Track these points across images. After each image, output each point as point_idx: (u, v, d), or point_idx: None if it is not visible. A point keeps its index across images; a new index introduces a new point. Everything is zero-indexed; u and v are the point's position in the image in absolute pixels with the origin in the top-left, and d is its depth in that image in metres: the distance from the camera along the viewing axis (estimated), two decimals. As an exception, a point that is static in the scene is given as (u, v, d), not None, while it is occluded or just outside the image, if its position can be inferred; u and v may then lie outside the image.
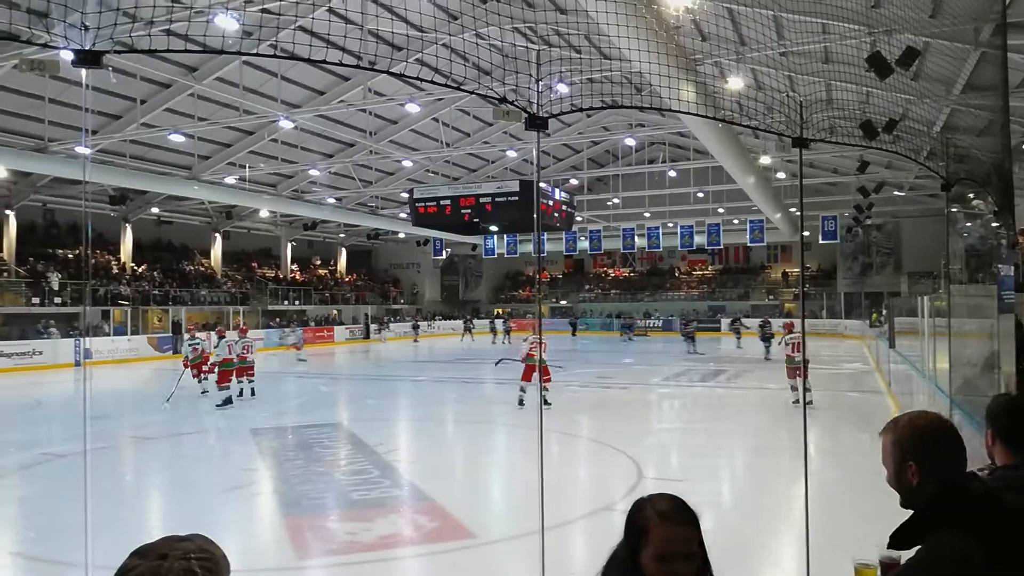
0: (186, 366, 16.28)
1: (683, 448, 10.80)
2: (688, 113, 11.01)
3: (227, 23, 13.03)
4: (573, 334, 42.08)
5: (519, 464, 10.39)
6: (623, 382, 19.64)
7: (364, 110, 23.16)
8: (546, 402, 12.65)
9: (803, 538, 6.03)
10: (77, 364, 24.34)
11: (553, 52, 18.96)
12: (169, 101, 20.97)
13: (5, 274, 26.57)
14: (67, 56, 3.35)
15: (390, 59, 18.97)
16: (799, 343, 13.73)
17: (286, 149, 26.08)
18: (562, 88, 14.05)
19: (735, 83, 15.56)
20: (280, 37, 17.10)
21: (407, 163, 28.82)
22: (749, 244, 35.82)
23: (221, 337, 16.04)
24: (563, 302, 48.28)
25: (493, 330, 38.71)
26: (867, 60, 12.00)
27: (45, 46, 3.38)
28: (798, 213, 33.84)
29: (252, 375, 15.70)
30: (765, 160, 24.45)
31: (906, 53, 11.76)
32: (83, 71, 3.17)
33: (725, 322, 41.74)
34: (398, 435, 12.78)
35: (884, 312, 22.93)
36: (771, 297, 43.95)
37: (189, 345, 16.62)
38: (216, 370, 15.20)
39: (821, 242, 32.93)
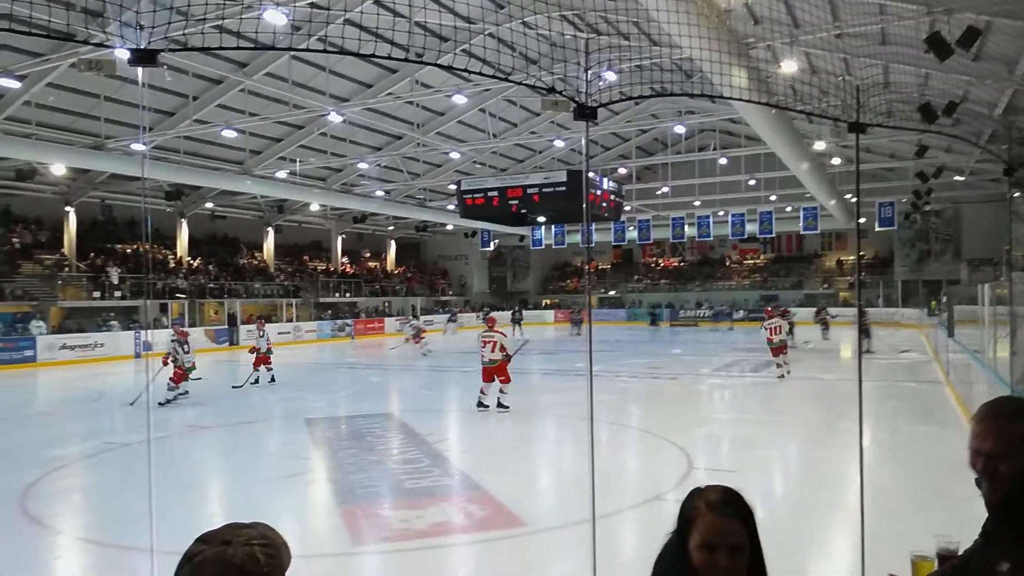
0: (258, 361, 17.05)
1: (734, 439, 10.64)
2: (740, 100, 10.80)
3: (276, 18, 13.21)
4: (653, 323, 41.54)
5: (568, 454, 10.39)
6: (672, 372, 19.46)
7: (411, 102, 23.29)
8: (500, 405, 12.74)
9: (857, 531, 5.90)
10: (137, 356, 25.10)
11: (602, 40, 18.77)
12: (221, 97, 21.41)
13: (67, 269, 27.54)
14: (123, 55, 3.42)
15: (438, 51, 19.05)
16: (777, 327, 16.86)
17: (335, 143, 26.42)
18: (610, 76, 13.92)
19: (789, 67, 15.20)
20: (328, 31, 17.29)
21: (454, 155, 28.93)
22: (802, 232, 35.05)
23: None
24: (612, 292, 47.97)
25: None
26: (926, 41, 11.59)
27: (101, 45, 3.47)
28: (854, 200, 33.00)
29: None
30: (819, 146, 23.84)
31: (967, 33, 11.31)
32: (139, 69, 3.24)
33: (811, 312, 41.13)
34: (448, 425, 12.88)
35: (943, 300, 22.25)
36: (825, 286, 42.95)
37: (262, 338, 17.23)
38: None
39: (878, 229, 32.01)
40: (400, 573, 5.81)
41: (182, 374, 14.51)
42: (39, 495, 7.95)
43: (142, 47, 3.24)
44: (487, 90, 22.50)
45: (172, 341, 14.96)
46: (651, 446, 10.06)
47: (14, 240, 27.30)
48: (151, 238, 32.04)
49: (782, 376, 16.57)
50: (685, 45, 9.29)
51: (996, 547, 1.64)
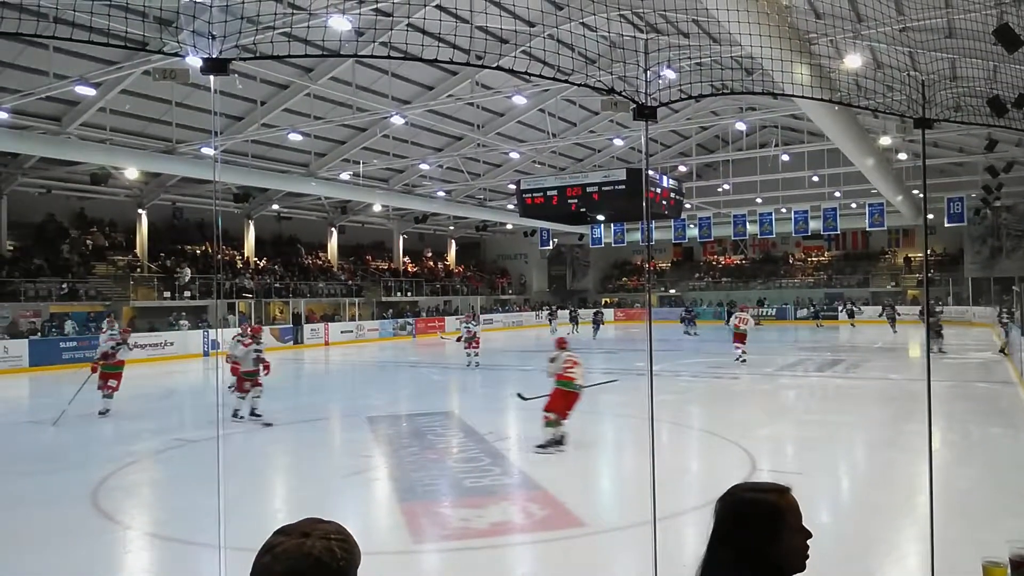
0: None
1: (799, 440, 10.44)
2: (803, 96, 10.58)
3: (340, 24, 13.52)
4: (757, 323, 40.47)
5: (628, 453, 10.37)
6: (735, 372, 19.17)
7: (472, 103, 23.48)
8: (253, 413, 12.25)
9: (927, 535, 5.76)
10: (205, 355, 25.93)
11: (661, 40, 18.61)
12: (287, 102, 21.98)
13: (138, 270, 28.60)
14: (195, 63, 3.57)
15: (499, 55, 19.17)
16: (744, 319, 19.37)
17: (397, 144, 26.84)
18: (670, 74, 13.79)
19: (852, 62, 14.80)
20: (391, 37, 17.59)
21: (514, 155, 29.05)
22: (868, 228, 33.99)
23: None
24: (672, 291, 47.42)
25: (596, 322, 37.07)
26: (994, 33, 11.17)
27: (175, 55, 3.64)
28: (921, 195, 31.88)
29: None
30: (885, 141, 23.12)
31: (1037, 23, 10.87)
32: (211, 77, 3.37)
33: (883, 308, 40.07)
34: (508, 424, 12.96)
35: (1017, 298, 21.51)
36: (893, 284, 41.62)
37: None
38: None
39: (947, 225, 30.85)
40: (460, 571, 5.89)
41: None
42: (110, 491, 8.22)
43: (214, 56, 3.38)
44: (546, 90, 22.54)
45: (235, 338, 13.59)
46: (713, 447, 9.96)
47: (88, 242, 28.55)
48: (220, 239, 33.13)
49: (741, 360, 19.33)
50: (746, 43, 9.16)
51: None
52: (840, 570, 5.43)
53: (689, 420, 12.00)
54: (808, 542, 1.62)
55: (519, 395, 11.75)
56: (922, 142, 4.07)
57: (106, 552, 6.49)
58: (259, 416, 12.30)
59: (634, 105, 3.84)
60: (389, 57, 16.52)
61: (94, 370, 13.25)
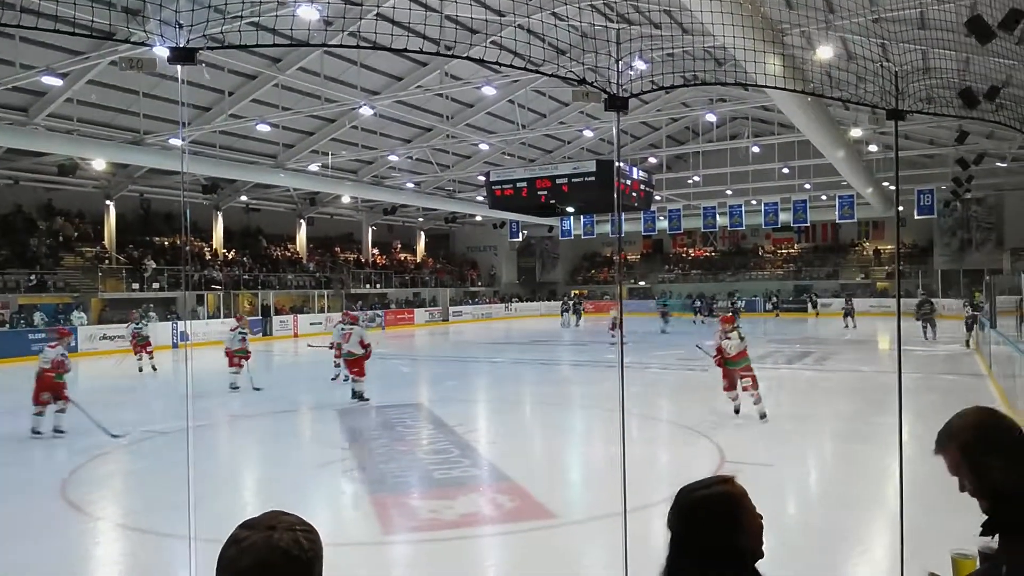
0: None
1: (768, 433, 10.50)
2: (775, 88, 10.62)
3: (309, 14, 13.31)
4: (701, 313, 38.38)
5: (598, 445, 10.38)
6: (705, 364, 19.28)
7: (441, 94, 23.33)
8: (357, 396, 13.02)
9: (896, 528, 5.81)
10: (174, 346, 25.57)
11: (633, 30, 18.58)
12: (255, 92, 21.66)
13: (107, 262, 28.12)
14: (162, 53, 3.47)
15: (469, 44, 19.00)
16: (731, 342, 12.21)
17: (366, 136, 26.59)
18: (640, 65, 13.77)
19: (824, 53, 14.91)
20: (360, 27, 17.35)
21: (484, 146, 28.93)
22: (838, 221, 34.46)
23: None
24: (642, 283, 47.66)
25: (575, 312, 37.40)
26: (966, 24, 11.29)
27: (142, 44, 3.54)
28: (892, 188, 32.35)
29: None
30: (856, 132, 23.40)
31: (1009, 15, 10.99)
32: (178, 67, 3.31)
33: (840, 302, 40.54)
34: (477, 415, 12.94)
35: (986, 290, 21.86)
36: (862, 276, 42.22)
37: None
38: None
39: (916, 217, 31.34)
40: (430, 563, 5.86)
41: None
42: (80, 482, 8.17)
43: (181, 45, 3.30)
44: (516, 81, 22.46)
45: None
46: (682, 439, 10.01)
47: (59, 234, 27.99)
48: (188, 230, 32.57)
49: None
50: (718, 33, 9.16)
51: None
52: (809, 562, 5.47)
53: (658, 412, 12.06)
54: (766, 530, 1.66)
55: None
56: (895, 134, 4.08)
57: (77, 544, 6.43)
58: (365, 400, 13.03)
59: (605, 96, 3.80)
60: (358, 47, 16.30)
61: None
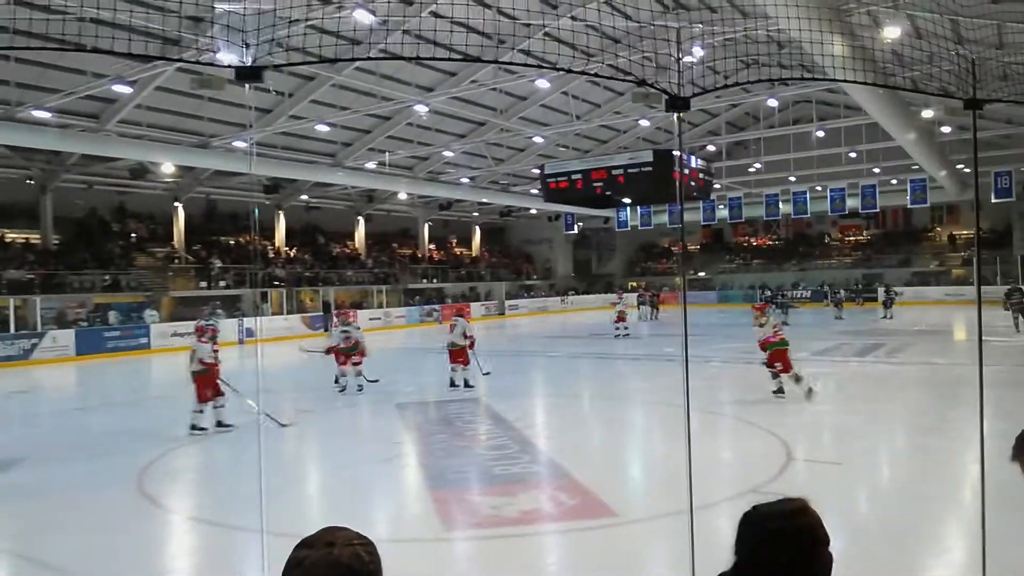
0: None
1: (837, 428, 10.17)
2: (845, 81, 10.20)
3: (364, 16, 13.43)
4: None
5: (658, 441, 10.21)
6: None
7: (495, 88, 23.29)
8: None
9: (972, 528, 5.50)
10: (240, 343, 26.22)
11: (691, 19, 18.15)
12: (314, 93, 22.04)
13: (176, 261, 29.07)
14: (228, 58, 3.50)
15: (527, 37, 18.84)
16: (777, 325, 12.42)
17: (421, 132, 26.79)
18: (699, 51, 13.43)
19: (891, 32, 14.30)
20: (413, 25, 17.44)
21: (538, 139, 28.80)
22: (910, 206, 33.09)
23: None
24: (701, 273, 46.73)
25: (652, 305, 35.54)
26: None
27: (211, 64, 3.60)
28: (966, 170, 30.97)
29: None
30: (927, 113, 22.41)
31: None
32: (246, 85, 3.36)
33: (883, 291, 38.94)
34: (535, 410, 12.88)
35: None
36: (936, 263, 40.50)
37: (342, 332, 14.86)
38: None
39: (994, 201, 29.73)
40: (491, 561, 5.83)
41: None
42: (154, 475, 8.41)
43: (248, 64, 3.33)
44: (570, 71, 22.23)
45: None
46: (747, 435, 9.74)
47: (133, 235, 29.11)
48: (251, 230, 33.48)
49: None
50: (777, 15, 8.84)
51: None
52: (883, 563, 5.23)
53: (721, 407, 11.76)
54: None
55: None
56: (972, 125, 3.82)
57: (151, 535, 6.61)
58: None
59: (666, 96, 3.68)
60: (417, 59, 16.31)
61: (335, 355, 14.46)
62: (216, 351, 11.41)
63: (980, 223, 39.46)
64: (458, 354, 13.96)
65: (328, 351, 14.73)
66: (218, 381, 10.88)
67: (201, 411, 10.63)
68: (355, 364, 13.97)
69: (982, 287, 14.82)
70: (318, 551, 1.29)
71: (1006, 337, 20.03)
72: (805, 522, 1.58)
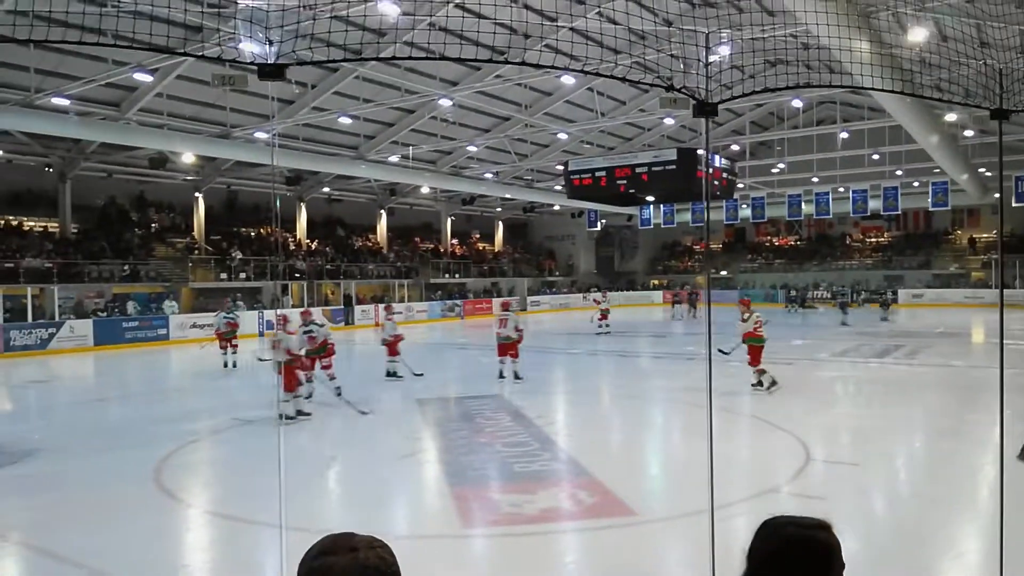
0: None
1: (855, 430, 10.16)
2: (875, 89, 10.14)
3: (389, 9, 13.50)
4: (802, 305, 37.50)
5: (678, 440, 10.26)
6: (788, 357, 18.74)
7: (520, 83, 23.30)
8: (516, 376, 14.38)
9: (988, 531, 5.52)
10: (260, 335, 26.45)
11: (720, 13, 18.05)
12: (337, 85, 22.12)
13: (196, 252, 29.29)
14: (251, 49, 3.57)
15: (556, 29, 18.84)
16: (761, 321, 13.03)
17: (445, 126, 26.84)
18: (724, 51, 13.37)
19: (916, 36, 14.18)
20: (436, 19, 17.50)
21: (562, 135, 28.79)
22: (931, 208, 32.85)
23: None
24: (723, 272, 46.58)
25: (691, 303, 34.69)
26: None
27: (234, 62, 3.67)
28: (988, 173, 30.62)
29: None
30: (951, 117, 22.22)
31: None
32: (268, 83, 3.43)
33: (903, 293, 38.70)
34: (556, 407, 12.94)
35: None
36: (956, 266, 40.14)
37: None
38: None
39: (1015, 205, 29.45)
40: (510, 558, 5.89)
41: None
42: (172, 468, 8.50)
43: (271, 62, 3.41)
44: (598, 74, 22.20)
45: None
46: (766, 435, 9.76)
47: (153, 225, 29.36)
48: (272, 222, 33.74)
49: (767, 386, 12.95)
50: (801, 13, 8.82)
51: None
52: (900, 565, 5.27)
53: (740, 407, 11.76)
54: (855, 531, 1.60)
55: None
56: (999, 135, 3.84)
57: (169, 529, 6.68)
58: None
59: (694, 102, 3.72)
60: (443, 57, 16.34)
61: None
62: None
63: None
64: (508, 347, 14.52)
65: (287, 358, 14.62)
66: (301, 372, 11.42)
67: (288, 400, 11.03)
68: (325, 368, 12.62)
69: (1011, 291, 14.64)
70: (343, 557, 1.28)
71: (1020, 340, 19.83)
72: (827, 538, 1.53)
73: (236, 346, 17.86)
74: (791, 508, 1.61)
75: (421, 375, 14.62)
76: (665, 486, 7.96)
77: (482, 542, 6.26)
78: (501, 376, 14.58)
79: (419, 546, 6.00)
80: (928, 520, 6.28)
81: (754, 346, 12.71)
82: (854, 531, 5.66)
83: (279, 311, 23.55)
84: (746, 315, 13.07)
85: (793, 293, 37.70)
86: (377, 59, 18.02)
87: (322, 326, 13.33)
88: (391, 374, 14.94)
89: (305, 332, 12.45)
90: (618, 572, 5.48)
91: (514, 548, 6.01)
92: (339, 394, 12.18)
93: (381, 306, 19.80)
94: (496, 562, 5.92)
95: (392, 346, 15.07)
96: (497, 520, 6.55)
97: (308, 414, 11.15)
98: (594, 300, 28.81)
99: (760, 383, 12.63)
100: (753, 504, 6.71)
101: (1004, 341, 4.97)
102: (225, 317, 18.40)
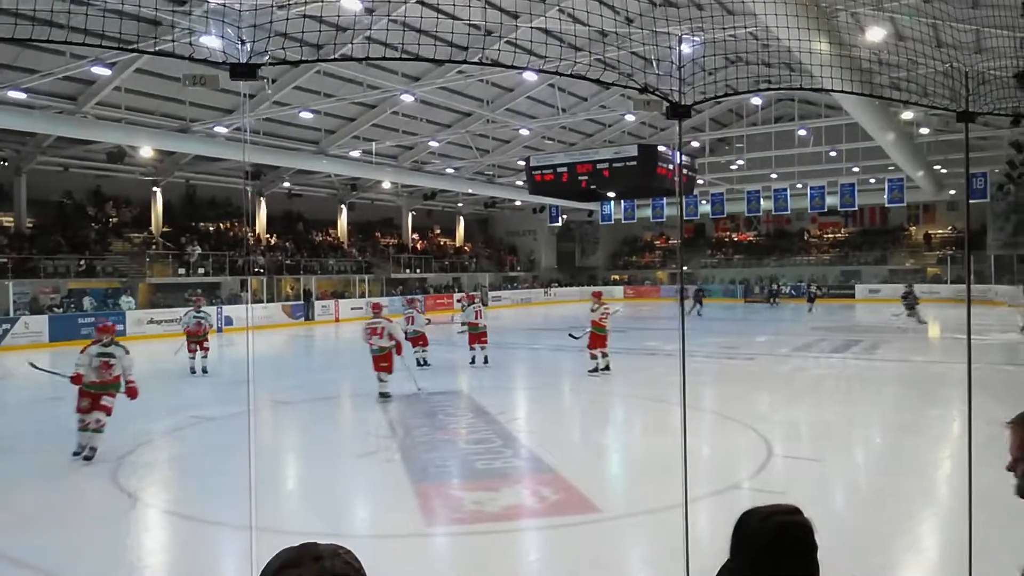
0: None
1: (816, 425, 10.31)
2: (842, 91, 10.25)
3: (352, 4, 13.32)
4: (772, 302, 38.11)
5: (639, 436, 10.31)
6: (748, 352, 19.01)
7: (482, 79, 23.19)
8: (486, 360, 16.05)
9: (949, 526, 5.61)
10: (219, 331, 25.97)
11: (681, 13, 18.14)
12: (298, 79, 21.78)
13: (154, 247, 28.70)
14: (211, 43, 3.45)
15: (514, 25, 18.76)
16: (608, 313, 14.65)
17: (407, 121, 26.63)
18: (687, 49, 13.43)
19: (874, 35, 14.42)
20: (400, 14, 17.34)
21: (523, 131, 28.76)
22: (887, 204, 33.55)
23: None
24: (684, 268, 47.06)
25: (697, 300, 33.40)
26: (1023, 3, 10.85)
27: (206, 61, 3.54)
28: (943, 170, 31.38)
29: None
30: (907, 115, 22.70)
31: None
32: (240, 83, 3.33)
33: (860, 288, 39.60)
34: (518, 404, 12.92)
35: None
36: (912, 261, 41.13)
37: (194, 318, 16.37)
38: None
39: (969, 201, 30.35)
40: (474, 556, 5.85)
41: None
42: (131, 467, 8.31)
43: (243, 62, 3.31)
44: (572, 75, 22.21)
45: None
46: (728, 430, 9.83)
47: (112, 219, 28.68)
48: (231, 216, 33.18)
49: (595, 371, 14.50)
50: (767, 19, 8.89)
51: None
52: (858, 562, 5.32)
53: (702, 402, 11.84)
54: (818, 528, 1.67)
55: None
56: (965, 137, 3.87)
57: (127, 529, 6.54)
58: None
59: (667, 104, 3.69)
60: (419, 58, 16.19)
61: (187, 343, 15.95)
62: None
63: (955, 223, 40.17)
64: (478, 336, 16.17)
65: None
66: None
67: (385, 380, 12.26)
68: (205, 350, 15.58)
69: (953, 285, 15.01)
70: (309, 568, 1.25)
71: (979, 335, 20.37)
72: (804, 522, 1.62)
73: (207, 348, 16.08)
74: (754, 503, 1.60)
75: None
76: (629, 482, 7.97)
77: (445, 540, 6.20)
78: (472, 362, 16.05)
79: (381, 544, 5.92)
80: (889, 515, 6.37)
81: (596, 334, 14.43)
82: (815, 526, 5.69)
83: (371, 299, 23.72)
84: (595, 306, 14.62)
85: (775, 287, 38.81)
86: (350, 59, 17.76)
87: (207, 315, 15.66)
88: (422, 363, 15.70)
89: (196, 318, 15.27)
90: (582, 569, 5.46)
91: (478, 546, 5.97)
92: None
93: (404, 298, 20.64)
94: (460, 560, 5.86)
95: (416, 341, 15.93)
96: (460, 518, 6.49)
97: (389, 396, 12.18)
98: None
99: (595, 369, 14.36)
100: (716, 500, 6.74)
101: (963, 335, 5.04)
102: (195, 316, 16.37)
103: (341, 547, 1.31)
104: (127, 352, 9.05)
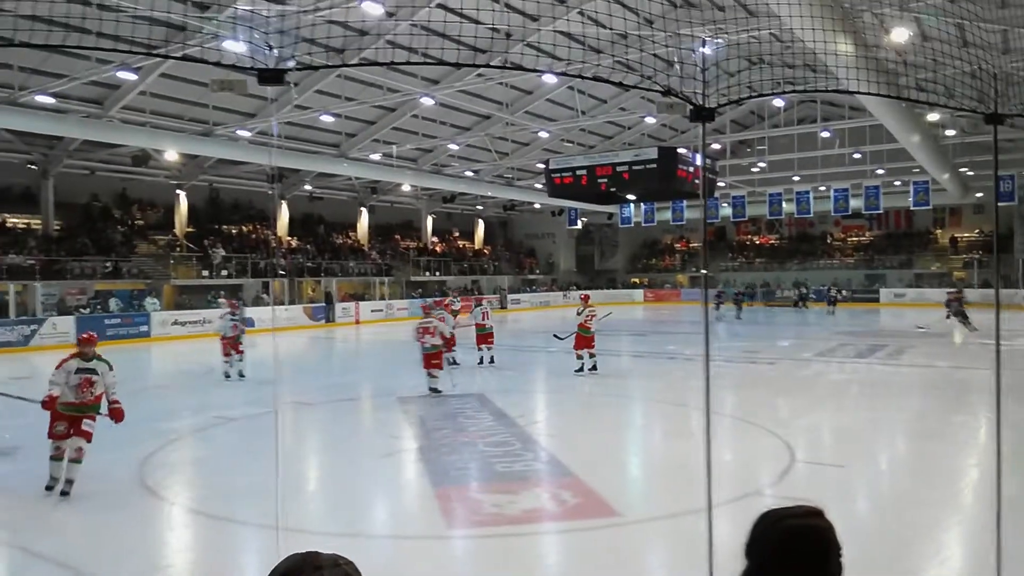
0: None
1: (839, 431, 10.19)
2: (867, 93, 10.16)
3: (373, 8, 13.41)
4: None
5: (659, 441, 10.25)
6: (770, 357, 18.85)
7: (501, 83, 23.23)
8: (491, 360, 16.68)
9: (974, 533, 5.52)
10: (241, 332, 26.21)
11: (705, 15, 18.07)
12: (319, 83, 21.97)
13: (178, 249, 29.06)
14: (236, 48, 3.48)
15: (537, 29, 18.77)
16: (593, 315, 15.09)
17: (426, 124, 26.75)
18: (707, 51, 13.38)
19: (899, 35, 14.27)
20: (419, 17, 17.41)
21: (543, 134, 28.76)
22: (913, 207, 33.15)
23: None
24: (704, 271, 46.80)
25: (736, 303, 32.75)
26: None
27: (233, 67, 3.57)
28: (969, 173, 30.93)
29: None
30: (932, 116, 22.42)
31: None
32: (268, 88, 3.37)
33: (885, 292, 39.11)
34: (537, 407, 12.90)
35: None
36: (938, 265, 40.53)
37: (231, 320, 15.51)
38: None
39: (998, 204, 29.82)
40: (492, 559, 5.84)
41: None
42: (155, 467, 8.43)
43: (271, 67, 3.34)
44: (596, 78, 22.23)
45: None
46: (749, 436, 9.74)
47: (138, 222, 29.10)
48: (253, 219, 33.49)
49: (580, 371, 15.06)
50: (792, 21, 8.82)
51: None
52: (883, 568, 5.26)
53: (723, 407, 11.75)
54: (840, 534, 1.63)
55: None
56: (994, 140, 3.81)
57: (153, 528, 6.62)
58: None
59: (691, 107, 3.67)
60: (442, 62, 16.29)
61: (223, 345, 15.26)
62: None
63: (981, 226, 39.57)
64: (485, 336, 16.75)
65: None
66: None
67: (436, 376, 12.80)
68: (240, 352, 15.08)
69: (992, 291, 14.77)
70: None
71: (1006, 341, 20.01)
72: (821, 524, 1.59)
73: (242, 352, 15.35)
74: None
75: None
76: (649, 487, 7.92)
77: (464, 543, 6.19)
78: (480, 362, 16.58)
79: (401, 547, 5.93)
80: (913, 522, 6.28)
81: (581, 335, 14.95)
82: (839, 533, 5.63)
83: (426, 300, 24.01)
84: (581, 309, 15.17)
85: (803, 291, 38.66)
86: (374, 63, 17.91)
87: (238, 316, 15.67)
88: (452, 362, 15.65)
89: (232, 321, 15.11)
90: (602, 573, 5.44)
91: (497, 549, 5.96)
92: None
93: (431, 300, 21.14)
94: (479, 563, 5.86)
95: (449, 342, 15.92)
96: (480, 520, 6.49)
97: (439, 391, 12.62)
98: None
99: (581, 368, 14.92)
100: (738, 506, 6.66)
101: (991, 341, 4.96)
102: (232, 319, 15.62)
103: (342, 557, 1.33)
104: (110, 368, 7.92)
